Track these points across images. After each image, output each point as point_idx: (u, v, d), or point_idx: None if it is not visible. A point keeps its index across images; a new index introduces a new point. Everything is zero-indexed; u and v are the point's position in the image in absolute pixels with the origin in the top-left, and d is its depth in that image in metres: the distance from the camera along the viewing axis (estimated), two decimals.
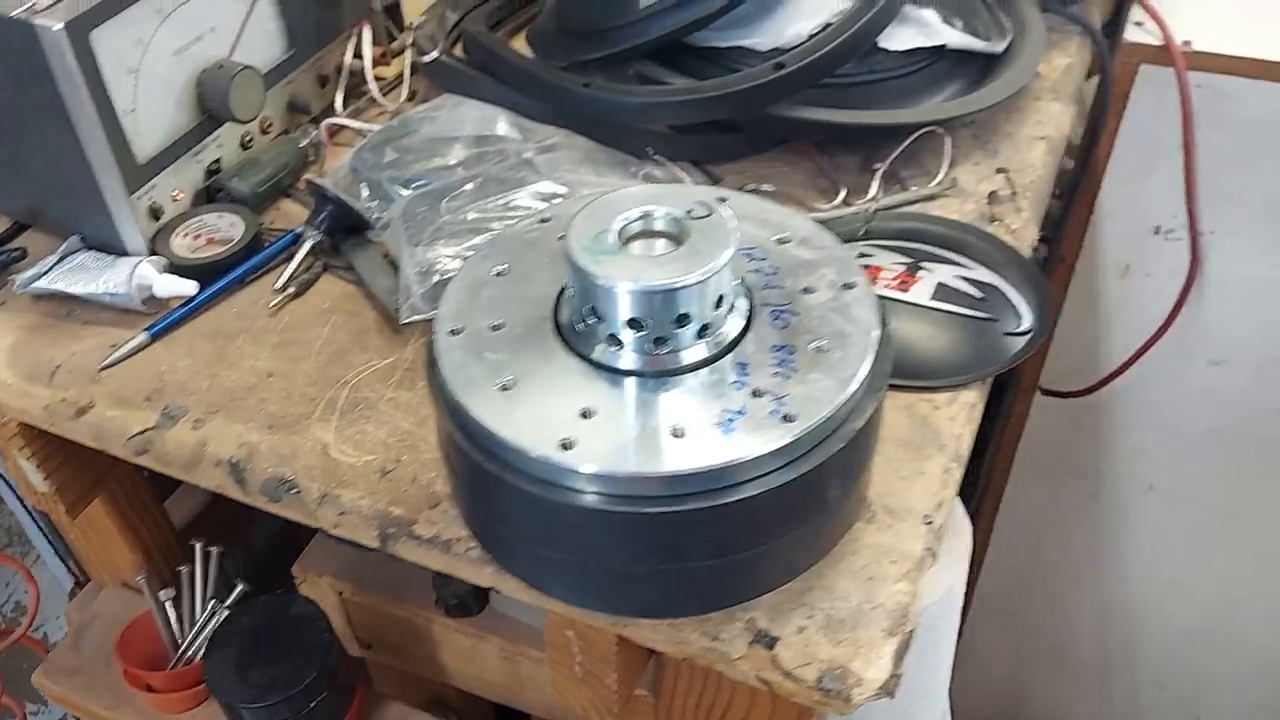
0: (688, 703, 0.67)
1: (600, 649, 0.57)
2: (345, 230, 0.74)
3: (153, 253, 0.70)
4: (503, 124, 0.78)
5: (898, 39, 0.79)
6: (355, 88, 0.88)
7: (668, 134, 0.79)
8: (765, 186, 0.79)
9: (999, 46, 0.84)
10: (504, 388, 0.45)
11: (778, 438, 0.43)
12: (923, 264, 0.69)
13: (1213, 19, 0.93)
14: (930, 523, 0.55)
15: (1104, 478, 1.25)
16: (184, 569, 0.90)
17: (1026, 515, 1.35)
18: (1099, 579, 1.36)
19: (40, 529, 1.41)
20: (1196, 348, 1.07)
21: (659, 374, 0.45)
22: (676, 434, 0.43)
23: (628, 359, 0.46)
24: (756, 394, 0.45)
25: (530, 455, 0.43)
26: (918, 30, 0.79)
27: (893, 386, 0.62)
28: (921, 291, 0.67)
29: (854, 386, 0.45)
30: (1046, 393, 1.20)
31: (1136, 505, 1.25)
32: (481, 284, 0.51)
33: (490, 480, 0.45)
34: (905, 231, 0.73)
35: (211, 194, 0.76)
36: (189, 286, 0.67)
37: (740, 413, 0.44)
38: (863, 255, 0.70)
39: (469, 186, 0.71)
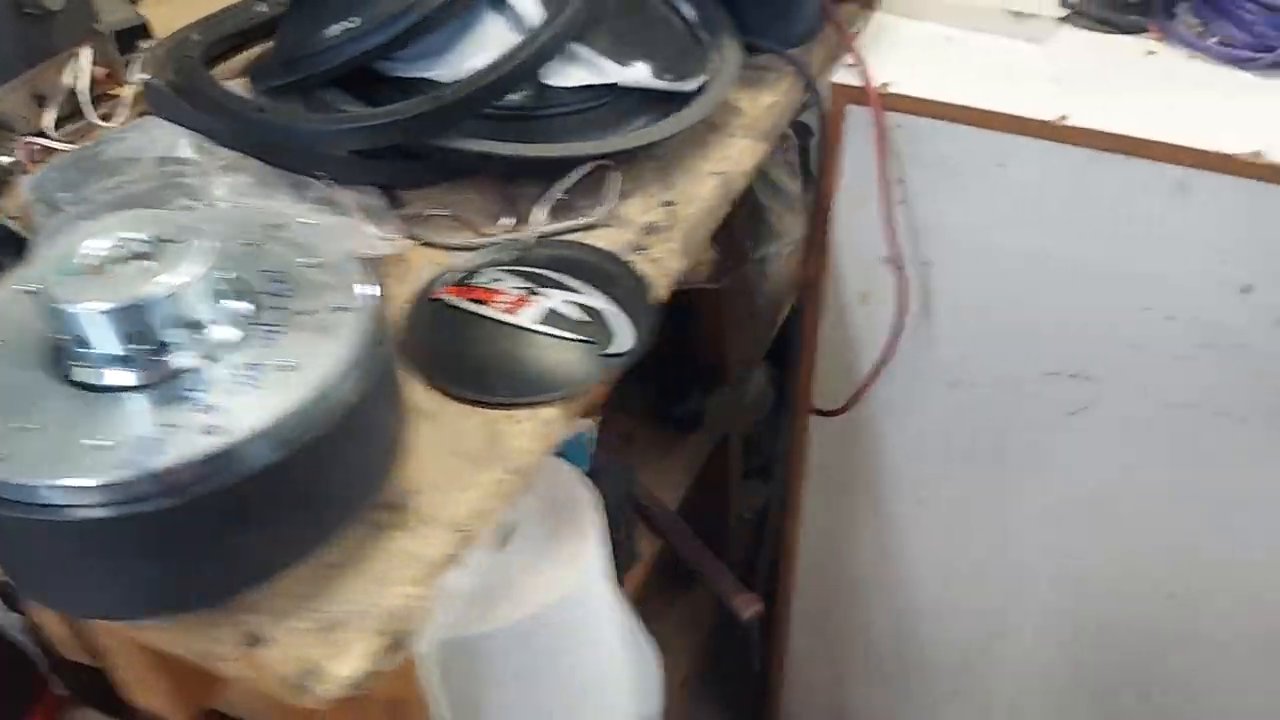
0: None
1: (141, 657, 0.60)
2: (15, 250, 0.77)
3: None
4: (185, 146, 0.82)
5: (565, 76, 0.83)
6: (78, 110, 0.91)
7: (351, 158, 0.83)
8: (443, 211, 0.83)
9: (689, 85, 0.88)
10: None
11: (192, 451, 0.46)
12: (541, 289, 0.72)
13: (915, 64, 0.98)
14: (463, 531, 0.59)
15: (879, 492, 1.30)
16: None
17: (823, 531, 1.39)
18: (890, 591, 1.40)
19: None
20: (932, 370, 1.12)
21: (117, 389, 0.49)
22: (101, 447, 0.46)
23: (92, 374, 0.49)
24: (203, 410, 0.48)
25: None
26: (587, 69, 0.83)
27: (476, 403, 0.66)
28: (529, 315, 0.70)
29: (287, 409, 0.48)
30: (814, 411, 1.25)
31: (910, 518, 1.30)
32: (9, 301, 0.54)
33: None
34: (554, 260, 0.77)
35: None
36: None
37: (174, 427, 0.47)
38: (493, 279, 0.74)
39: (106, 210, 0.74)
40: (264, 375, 0.50)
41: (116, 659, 0.62)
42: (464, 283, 0.74)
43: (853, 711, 1.61)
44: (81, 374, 0.49)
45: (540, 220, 0.80)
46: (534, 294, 0.72)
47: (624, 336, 0.70)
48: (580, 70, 0.83)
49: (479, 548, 0.59)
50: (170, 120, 0.85)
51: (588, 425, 0.93)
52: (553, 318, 0.70)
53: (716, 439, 1.45)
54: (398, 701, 0.64)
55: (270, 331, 0.52)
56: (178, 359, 0.49)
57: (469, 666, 0.70)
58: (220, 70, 0.92)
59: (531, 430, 0.65)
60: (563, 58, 0.83)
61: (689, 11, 0.96)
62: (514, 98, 0.83)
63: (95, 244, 0.50)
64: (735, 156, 0.88)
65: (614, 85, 0.84)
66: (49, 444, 0.47)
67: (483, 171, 0.85)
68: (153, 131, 0.83)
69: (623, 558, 0.87)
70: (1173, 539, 1.15)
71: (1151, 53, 0.99)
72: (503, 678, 0.72)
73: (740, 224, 1.29)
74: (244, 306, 0.53)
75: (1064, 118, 0.91)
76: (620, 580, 0.82)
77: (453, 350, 0.69)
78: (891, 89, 0.96)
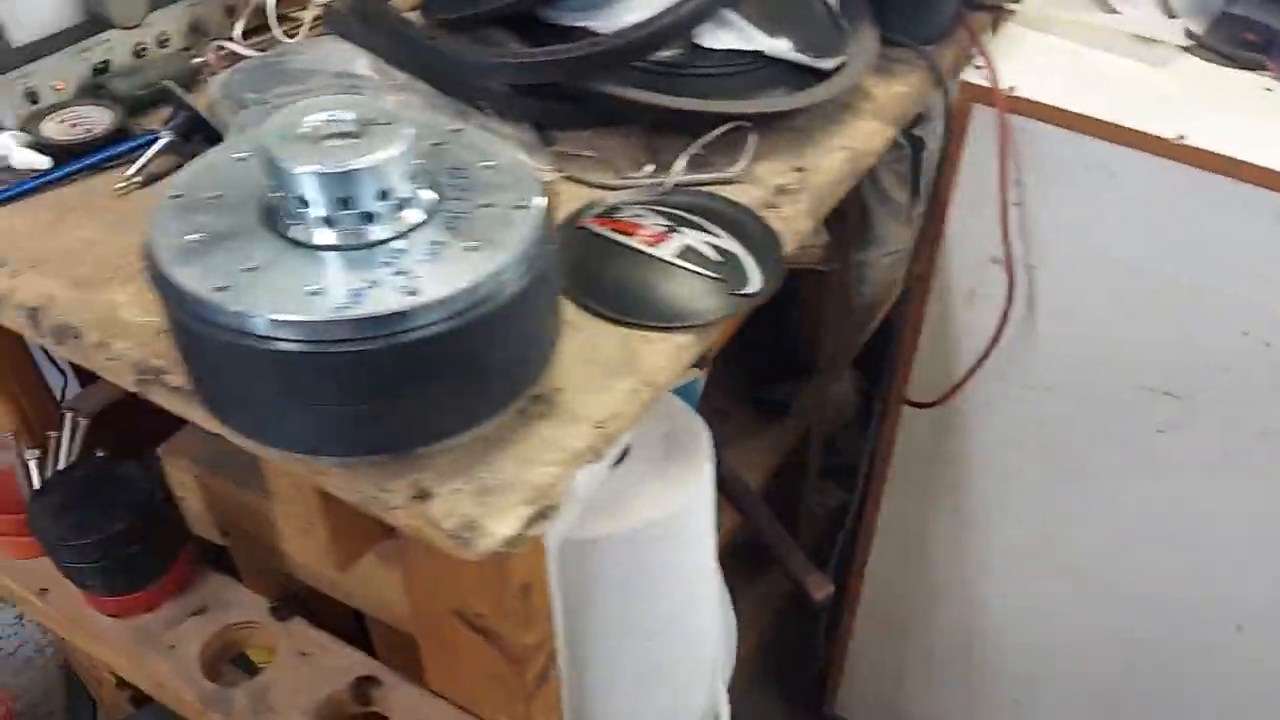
0: (423, 580, 0.76)
1: (307, 498, 0.66)
2: (206, 139, 0.84)
3: (23, 130, 0.81)
4: (362, 64, 0.88)
5: (717, 39, 0.87)
6: (264, 24, 0.98)
7: (510, 94, 0.89)
8: (587, 152, 0.88)
9: (827, 64, 0.93)
10: (194, 241, 0.55)
11: (390, 304, 0.51)
12: (680, 228, 0.77)
13: (1041, 72, 1.02)
14: (602, 428, 0.64)
15: (960, 492, 1.32)
16: (53, 434, 1.01)
17: (901, 527, 1.42)
18: (961, 591, 1.42)
19: None
20: (1027, 373, 1.14)
21: (326, 248, 0.54)
22: (314, 293, 0.52)
23: (301, 231, 0.55)
24: (399, 273, 0.53)
25: (187, 293, 0.52)
26: (737, 35, 0.88)
27: (615, 320, 0.71)
28: (668, 249, 0.75)
29: (480, 277, 0.53)
30: (909, 403, 1.28)
31: (986, 521, 1.32)
32: (220, 165, 0.60)
33: (171, 316, 0.54)
34: (690, 204, 0.82)
35: (96, 90, 0.86)
36: (42, 161, 0.78)
37: (374, 284, 0.53)
38: (636, 215, 0.79)
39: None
40: (450, 252, 0.55)
41: (282, 504, 0.68)
42: (608, 215, 0.79)
43: (910, 709, 1.63)
44: (294, 230, 0.55)
45: (679, 169, 0.85)
46: (674, 231, 0.77)
47: (754, 279, 0.74)
48: (730, 35, 0.88)
49: (606, 452, 0.64)
50: (347, 39, 0.91)
51: (698, 374, 0.98)
52: (690, 254, 0.75)
53: (800, 431, 1.49)
54: (528, 584, 0.69)
55: (454, 217, 0.57)
56: (378, 227, 0.55)
57: (580, 567, 0.75)
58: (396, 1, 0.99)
59: (664, 351, 0.69)
60: (715, 21, 0.87)
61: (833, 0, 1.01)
62: (666, 53, 0.88)
63: (314, 118, 0.55)
64: (863, 137, 0.92)
65: (759, 54, 0.89)
66: (266, 283, 0.52)
67: (629, 119, 0.90)
68: (331, 48, 0.90)
69: None
70: (1248, 568, 1.16)
71: (1269, 90, 1.01)
72: (608, 582, 0.77)
73: (850, 222, 1.33)
74: (431, 193, 0.58)
75: (1182, 137, 0.94)
76: None
77: (597, 272, 0.73)
78: (1017, 93, 0.99)
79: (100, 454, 0.99)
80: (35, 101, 0.82)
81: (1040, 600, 1.35)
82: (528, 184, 0.60)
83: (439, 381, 0.55)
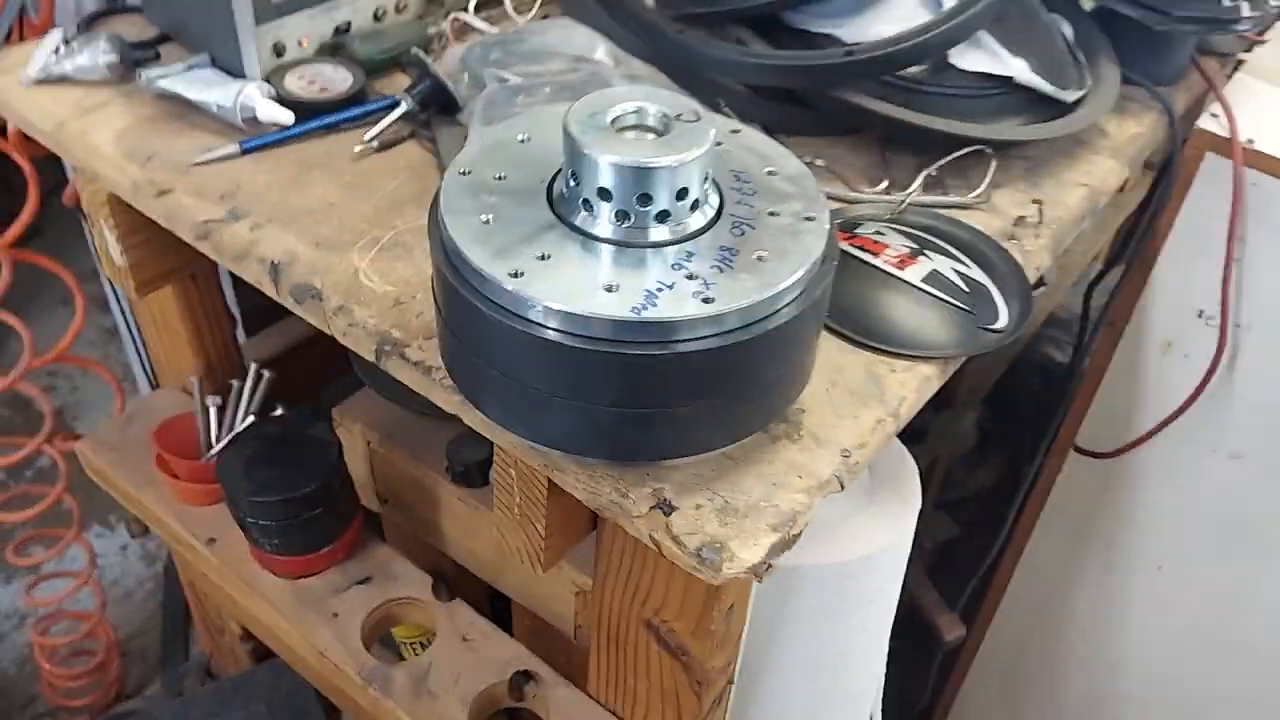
0: (616, 584, 0.74)
1: (534, 491, 0.65)
2: (439, 107, 0.83)
3: (266, 83, 0.80)
4: (601, 50, 0.87)
5: (968, 60, 0.84)
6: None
7: (746, 94, 0.86)
8: (819, 160, 0.85)
9: (1069, 96, 0.88)
10: (485, 221, 0.53)
11: (691, 311, 0.49)
12: (926, 251, 0.74)
13: (1278, 126, 0.96)
14: (848, 456, 0.61)
15: (1118, 549, 1.27)
16: (235, 383, 1.01)
17: (1041, 574, 1.37)
18: (1096, 653, 1.37)
19: (133, 338, 1.55)
20: (1218, 437, 1.09)
21: (615, 242, 0.53)
22: (609, 289, 0.50)
23: (592, 224, 0.53)
24: (690, 277, 0.51)
25: (484, 275, 0.51)
26: (990, 59, 0.84)
27: (859, 344, 0.68)
28: (915, 273, 0.72)
29: (774, 291, 0.51)
30: (1079, 451, 1.23)
31: (1143, 583, 1.26)
32: (504, 144, 0.59)
33: (451, 292, 0.53)
34: (927, 226, 0.78)
35: (335, 50, 0.86)
36: (286, 115, 0.78)
37: (670, 286, 0.51)
38: (878, 233, 0.76)
39: (547, 89, 0.79)
40: (741, 260, 0.53)
41: (501, 493, 0.67)
42: (849, 230, 0.76)
43: None
44: (582, 220, 0.53)
45: (914, 188, 0.82)
46: (920, 254, 0.73)
47: (1002, 314, 0.71)
48: (982, 57, 0.85)
49: (850, 483, 0.61)
50: (584, 22, 0.90)
51: None
52: (936, 280, 0.72)
53: (927, 461, 1.45)
54: (734, 606, 0.67)
55: (740, 223, 0.55)
56: (668, 226, 0.53)
57: (778, 594, 0.73)
58: None
59: (909, 382, 0.66)
60: (970, 42, 0.84)
61: (1068, 31, 0.97)
62: (911, 69, 0.84)
63: (620, 108, 0.53)
64: (1100, 174, 0.88)
65: (1005, 79, 0.85)
66: (559, 274, 0.51)
67: (863, 130, 0.87)
68: (569, 30, 0.89)
69: None
70: None
71: None
72: (804, 612, 0.75)
73: None
74: (717, 196, 0.56)
75: None
76: None
77: (839, 289, 0.71)
78: (1256, 146, 0.94)
79: (282, 410, 0.99)
80: (280, 55, 0.82)
81: (1191, 673, 1.29)
82: (813, 195, 0.57)
83: (713, 395, 0.53)
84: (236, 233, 0.72)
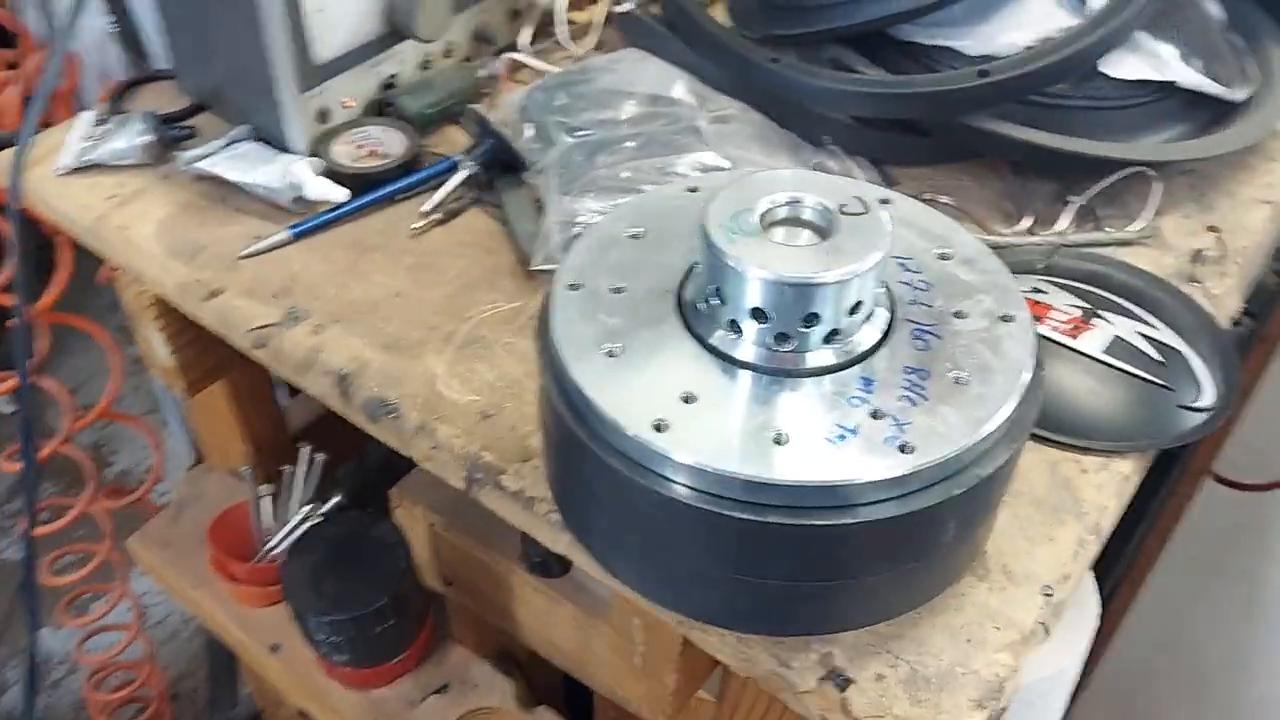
0: (750, 718, 0.63)
1: (664, 646, 0.54)
2: (502, 166, 0.72)
3: (313, 155, 0.70)
4: (680, 87, 0.75)
5: (1123, 67, 0.71)
6: (545, 27, 0.86)
7: (850, 125, 0.75)
8: (943, 198, 0.74)
9: (1239, 95, 0.76)
10: (610, 354, 0.42)
11: (889, 467, 0.38)
12: (1101, 312, 0.62)
13: None
14: (1050, 594, 0.50)
15: (1261, 583, 1.15)
16: (287, 469, 0.92)
17: (1168, 605, 1.25)
18: (1230, 690, 1.25)
19: (174, 400, 1.47)
20: None
21: (775, 372, 0.42)
22: (779, 440, 0.39)
23: (745, 350, 0.42)
24: (876, 415, 0.40)
25: (620, 429, 0.40)
26: (1147, 61, 0.72)
27: (1038, 439, 0.57)
28: (1093, 342, 0.60)
29: (988, 429, 0.40)
30: (1220, 480, 1.10)
31: None
32: (613, 243, 0.48)
33: (576, 445, 0.42)
34: (1089, 274, 0.67)
35: (382, 108, 0.75)
36: (339, 193, 0.67)
37: (854, 431, 0.40)
38: (1036, 290, 0.64)
39: (630, 144, 0.68)
40: (931, 386, 0.42)
41: (620, 637, 0.56)
42: None
43: None
44: (729, 344, 0.42)
45: (1067, 226, 0.70)
46: (1095, 316, 0.62)
47: (1206, 386, 0.59)
48: (1137, 61, 0.72)
49: (1055, 630, 0.50)
50: (659, 55, 0.79)
51: None
52: (1119, 348, 0.60)
53: None
54: None
55: (922, 332, 0.44)
56: (839, 348, 0.42)
57: None
58: None
59: (1106, 484, 0.55)
60: (1125, 45, 0.72)
61: (1217, 11, 0.83)
62: None
63: (769, 199, 0.42)
64: None
65: (1168, 84, 0.73)
66: (709, 420, 0.40)
67: (988, 157, 0.76)
68: (645, 66, 0.77)
69: None
70: None
71: None
72: None
73: None
74: (887, 301, 0.45)
75: None
76: None
77: None
78: None
79: (339, 499, 0.89)
80: (325, 121, 0.71)
81: None
82: (1005, 284, 0.46)
83: (907, 560, 0.42)
84: (297, 339, 0.61)
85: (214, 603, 0.92)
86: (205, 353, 0.78)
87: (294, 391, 1.15)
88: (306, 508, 0.90)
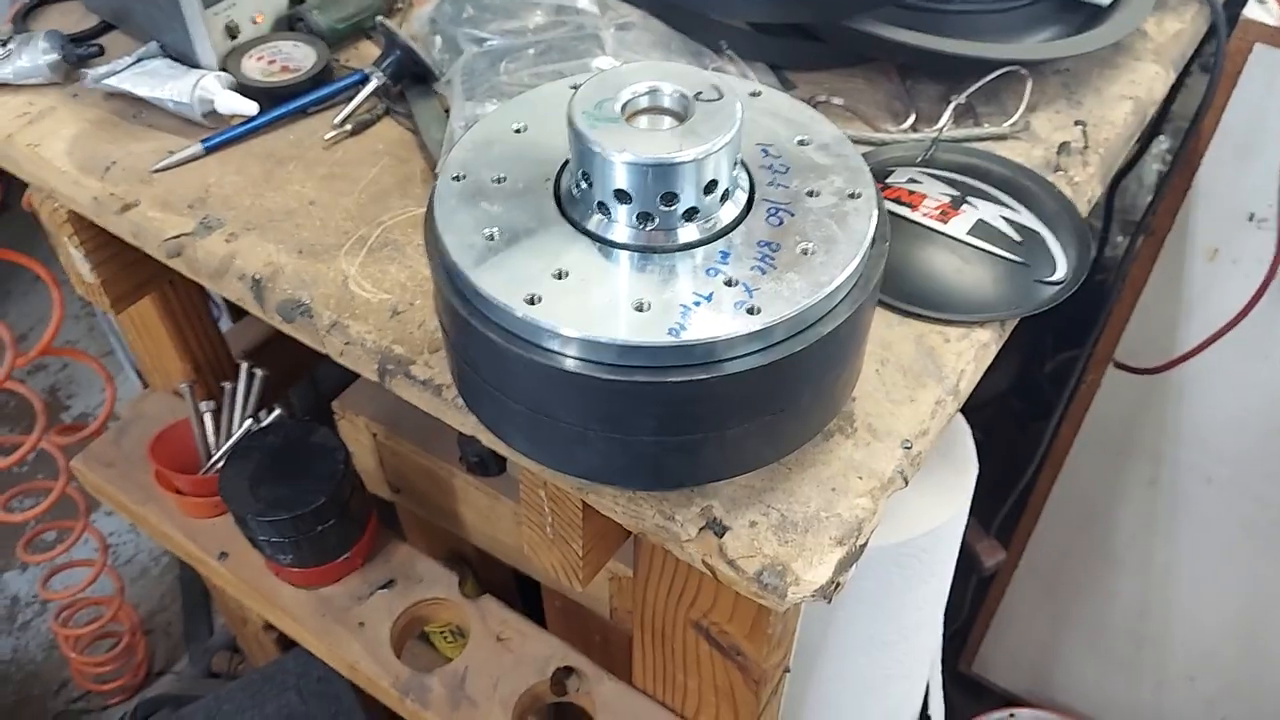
0: (660, 585, 0.69)
1: (568, 513, 0.59)
2: (412, 78, 0.75)
3: (223, 70, 0.73)
4: None
5: None
6: None
7: (749, 32, 0.78)
8: (835, 100, 0.78)
9: None
10: (490, 238, 0.46)
11: (735, 327, 0.43)
12: (970, 199, 0.67)
13: None
14: (909, 447, 0.55)
15: (1164, 463, 1.22)
16: (227, 385, 0.95)
17: (1082, 489, 1.32)
18: (1143, 564, 1.34)
19: (111, 328, 1.49)
20: (1274, 345, 1.03)
21: (643, 249, 0.46)
22: (640, 308, 0.44)
23: (616, 231, 0.46)
24: (729, 283, 0.45)
25: (495, 303, 0.44)
26: None
27: (905, 313, 0.62)
28: (960, 225, 0.65)
29: (827, 291, 0.44)
30: (1119, 366, 1.17)
31: (1192, 495, 1.22)
32: (497, 138, 0.51)
33: (461, 324, 0.46)
34: (964, 166, 0.71)
35: (292, 24, 0.78)
36: (249, 106, 0.70)
37: (708, 298, 0.44)
38: (912, 181, 0.69)
39: (530, 51, 0.71)
40: (784, 257, 0.46)
41: (530, 511, 0.61)
42: (880, 180, 0.69)
43: (1059, 678, 1.56)
44: (597, 224, 0.46)
45: (944, 123, 0.75)
46: (963, 202, 0.66)
47: (1060, 262, 0.64)
48: None
49: (912, 478, 0.55)
50: None
51: None
52: (983, 230, 0.65)
53: None
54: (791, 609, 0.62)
55: (777, 209, 0.48)
56: (697, 224, 0.46)
57: None
58: None
59: (966, 351, 0.60)
60: None
61: None
62: None
63: (630, 90, 0.46)
64: (1145, 83, 0.80)
65: None
66: (580, 293, 0.44)
67: (879, 60, 0.80)
68: None
69: None
70: None
71: None
72: (860, 595, 0.70)
73: None
74: (746, 180, 0.49)
75: None
76: None
77: None
78: None
79: (279, 411, 0.93)
80: (234, 36, 0.74)
81: (1244, 579, 1.25)
82: (855, 165, 0.50)
83: (765, 412, 0.47)
84: (211, 246, 0.65)
85: (160, 516, 0.96)
86: (129, 269, 0.80)
87: (238, 314, 1.17)
88: (247, 422, 0.93)
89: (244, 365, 0.95)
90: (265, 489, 0.82)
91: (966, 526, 1.30)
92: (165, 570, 1.83)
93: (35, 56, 0.72)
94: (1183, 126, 0.98)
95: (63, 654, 1.59)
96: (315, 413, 1.15)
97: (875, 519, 0.52)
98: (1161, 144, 1.19)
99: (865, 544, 0.52)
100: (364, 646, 0.86)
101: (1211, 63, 0.90)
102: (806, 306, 0.44)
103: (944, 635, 1.61)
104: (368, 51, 0.80)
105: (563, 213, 0.48)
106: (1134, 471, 1.25)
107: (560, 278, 0.45)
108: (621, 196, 0.45)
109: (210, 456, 0.94)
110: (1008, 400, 1.53)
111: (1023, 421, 1.47)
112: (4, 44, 0.72)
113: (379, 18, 0.76)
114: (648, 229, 0.46)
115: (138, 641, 1.64)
